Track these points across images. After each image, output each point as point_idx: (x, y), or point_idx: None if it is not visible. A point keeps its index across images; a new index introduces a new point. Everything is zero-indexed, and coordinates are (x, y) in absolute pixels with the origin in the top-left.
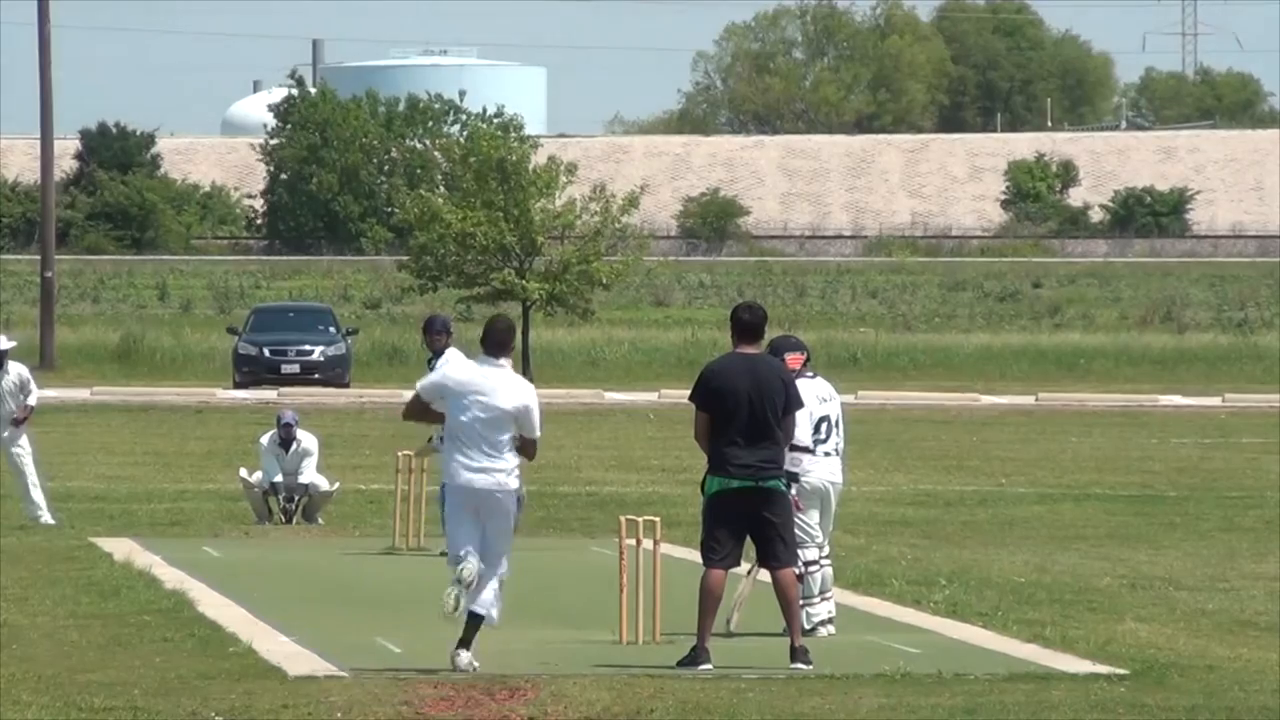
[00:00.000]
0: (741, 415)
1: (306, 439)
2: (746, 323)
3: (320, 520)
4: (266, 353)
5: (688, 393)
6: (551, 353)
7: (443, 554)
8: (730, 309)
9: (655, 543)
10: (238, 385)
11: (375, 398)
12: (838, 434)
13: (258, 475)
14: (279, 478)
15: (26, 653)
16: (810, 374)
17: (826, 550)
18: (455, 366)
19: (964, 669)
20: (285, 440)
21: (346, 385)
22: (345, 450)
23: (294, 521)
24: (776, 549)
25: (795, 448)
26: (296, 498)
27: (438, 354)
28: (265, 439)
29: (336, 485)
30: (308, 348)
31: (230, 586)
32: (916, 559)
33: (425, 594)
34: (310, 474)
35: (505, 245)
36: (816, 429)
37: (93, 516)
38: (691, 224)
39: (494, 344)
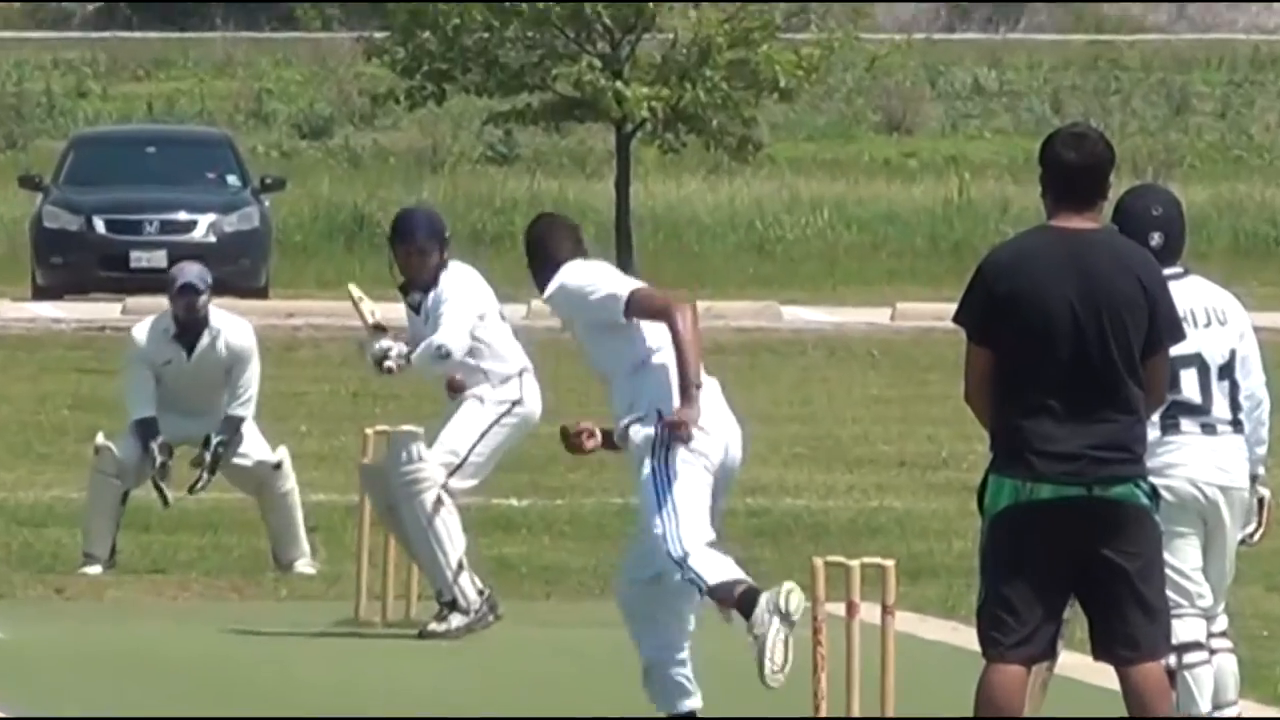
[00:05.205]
0: (1061, 352)
1: (232, 329)
2: (1072, 167)
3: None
4: (100, 226)
5: (952, 310)
6: (675, 226)
7: None
8: (1039, 139)
9: (885, 610)
10: (41, 292)
11: (317, 316)
12: (1229, 390)
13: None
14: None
15: None
16: (1180, 270)
17: (1221, 623)
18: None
19: None
20: (187, 326)
21: (263, 292)
22: (266, 418)
23: (198, 488)
24: (1130, 622)
25: None
26: (213, 442)
27: (424, 289)
28: (142, 332)
29: (281, 455)
30: (184, 217)
31: (22, 697)
32: None
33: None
34: (243, 407)
35: (582, 14)
36: (1174, 382)
37: None
38: None
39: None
